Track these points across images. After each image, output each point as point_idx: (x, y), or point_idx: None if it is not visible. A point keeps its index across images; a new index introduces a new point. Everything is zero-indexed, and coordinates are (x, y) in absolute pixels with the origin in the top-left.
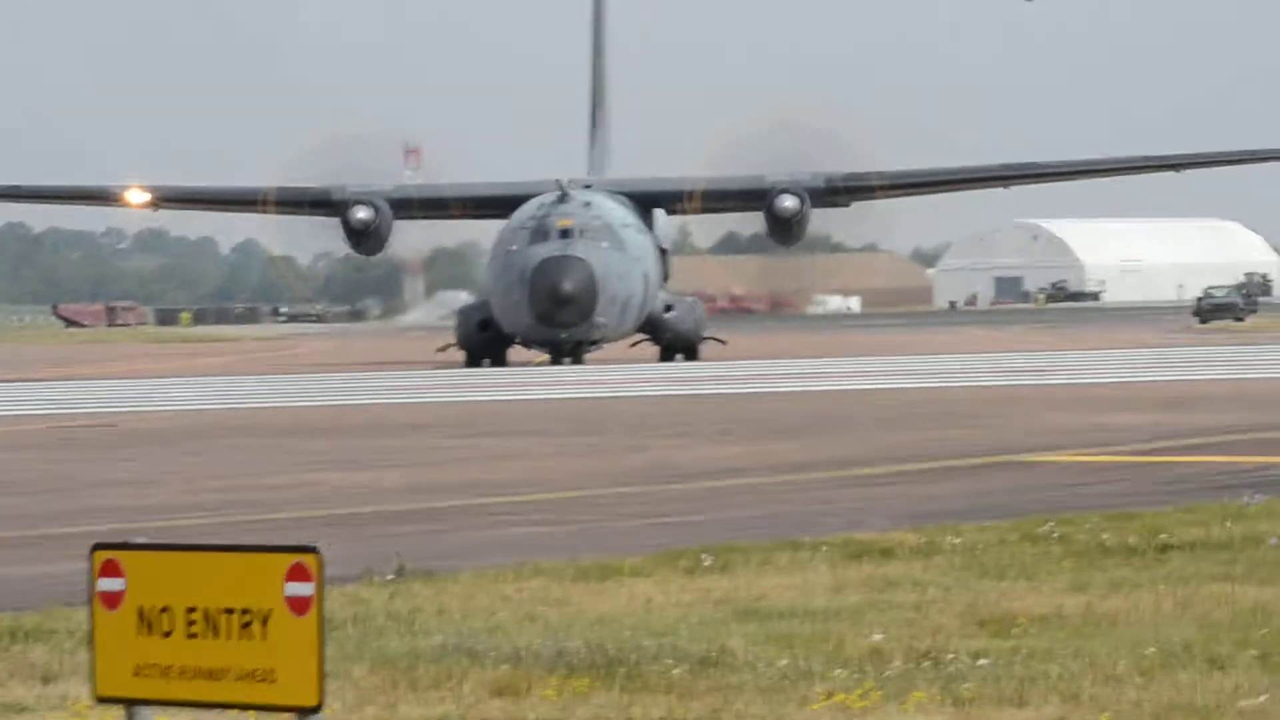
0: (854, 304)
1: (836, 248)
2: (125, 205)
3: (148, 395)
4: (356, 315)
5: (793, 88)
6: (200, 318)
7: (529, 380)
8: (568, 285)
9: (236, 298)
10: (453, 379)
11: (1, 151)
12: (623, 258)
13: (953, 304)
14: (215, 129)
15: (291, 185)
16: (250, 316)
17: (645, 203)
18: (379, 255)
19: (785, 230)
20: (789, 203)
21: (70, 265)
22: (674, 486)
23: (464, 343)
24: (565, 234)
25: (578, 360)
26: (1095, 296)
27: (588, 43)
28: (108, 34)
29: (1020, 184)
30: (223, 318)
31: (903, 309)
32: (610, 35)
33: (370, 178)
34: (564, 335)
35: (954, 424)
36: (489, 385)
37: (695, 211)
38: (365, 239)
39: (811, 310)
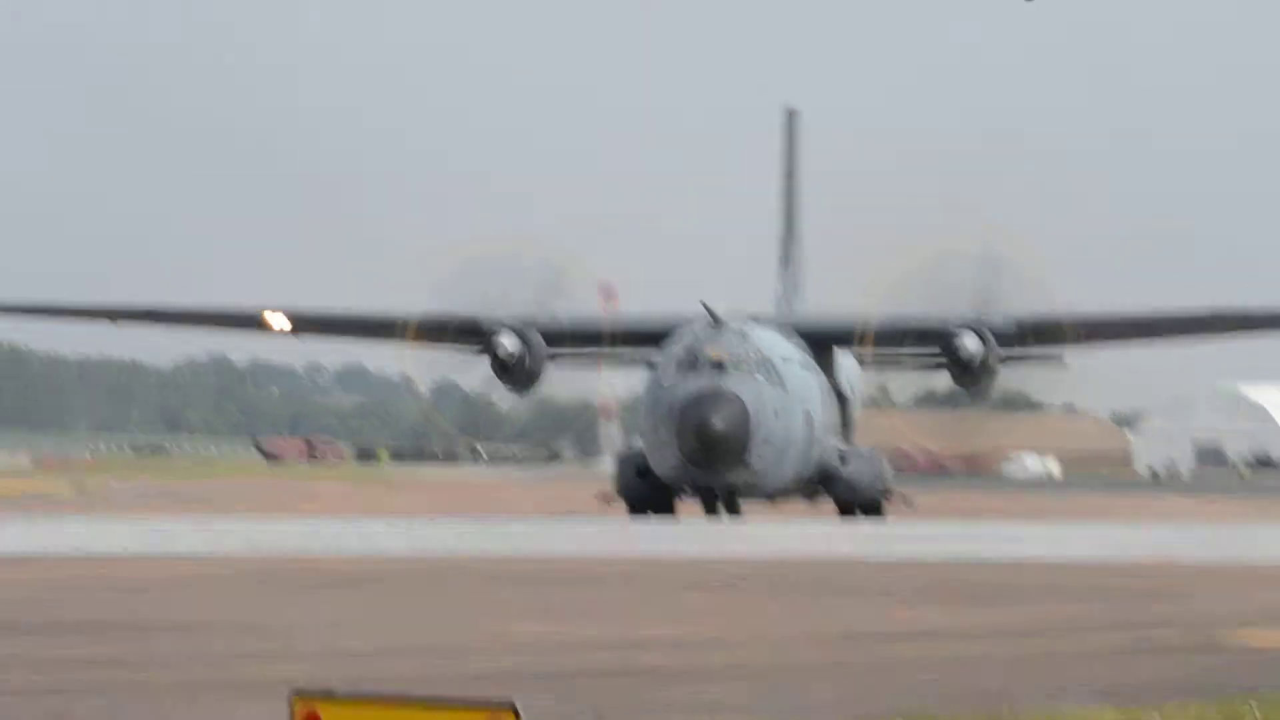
0: (1051, 464)
1: (1034, 407)
2: (265, 329)
3: (346, 536)
4: (553, 457)
5: (981, 218)
6: (398, 455)
7: (721, 534)
8: (717, 423)
9: (437, 435)
10: (644, 531)
11: (143, 274)
12: (781, 394)
13: (1155, 474)
14: (361, 253)
15: (435, 312)
16: (448, 455)
17: (822, 341)
18: (529, 393)
19: (968, 374)
20: (971, 342)
21: (271, 400)
22: (870, 649)
23: (624, 491)
24: (718, 366)
25: (734, 511)
26: None
27: (780, 178)
28: (257, 154)
29: (1229, 335)
30: (420, 455)
31: (1102, 472)
32: (804, 168)
33: (525, 304)
34: (715, 479)
35: (1155, 597)
36: (686, 538)
37: (871, 350)
38: (513, 373)
39: (1008, 469)
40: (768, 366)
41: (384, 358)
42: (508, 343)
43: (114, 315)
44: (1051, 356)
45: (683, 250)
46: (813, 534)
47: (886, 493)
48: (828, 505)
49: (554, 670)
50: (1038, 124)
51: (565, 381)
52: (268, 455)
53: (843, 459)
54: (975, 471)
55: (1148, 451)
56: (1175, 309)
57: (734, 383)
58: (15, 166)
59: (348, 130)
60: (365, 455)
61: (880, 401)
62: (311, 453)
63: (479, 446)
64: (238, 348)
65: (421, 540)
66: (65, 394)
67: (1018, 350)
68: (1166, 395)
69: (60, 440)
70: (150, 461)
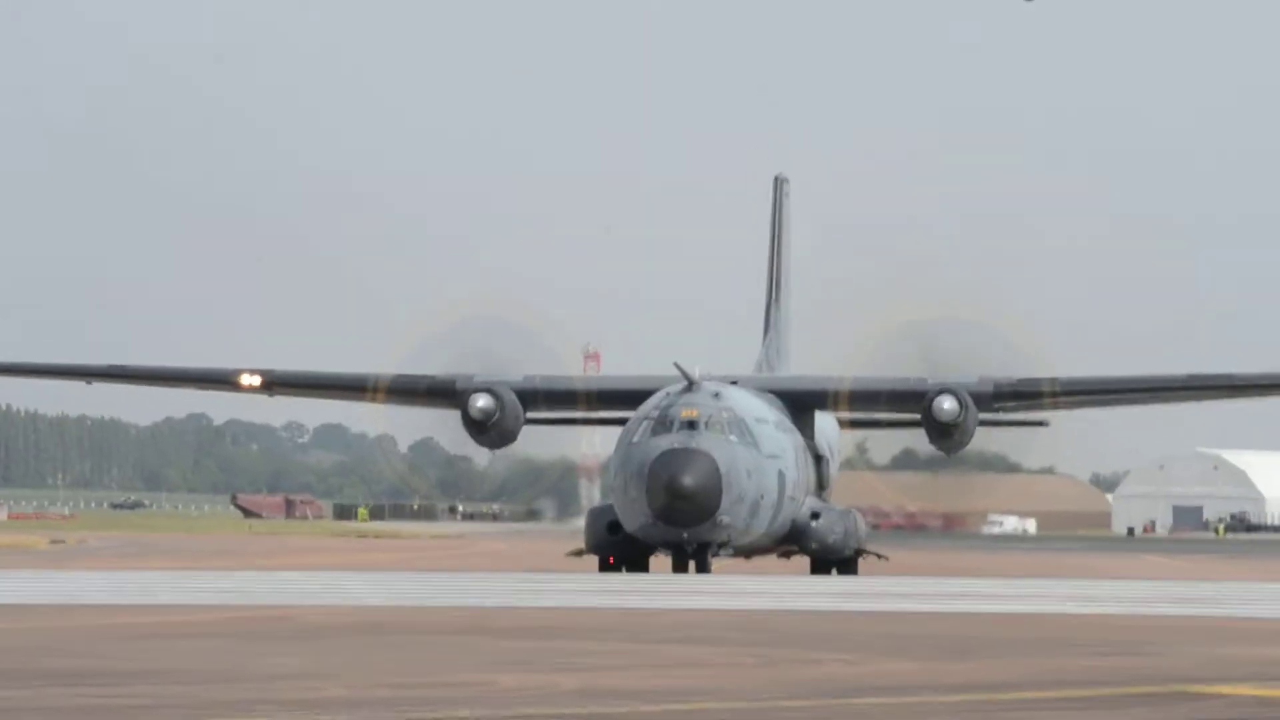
0: (1030, 526)
1: (1014, 468)
2: (238, 389)
3: (324, 589)
4: (532, 515)
5: (957, 280)
6: (377, 513)
7: (695, 588)
8: (688, 479)
9: (413, 494)
10: (625, 584)
11: (120, 334)
12: (754, 454)
13: (1130, 530)
14: (339, 315)
15: (408, 373)
16: (427, 513)
17: (800, 403)
18: (504, 450)
19: (945, 436)
20: (948, 405)
21: (250, 457)
22: (845, 701)
23: (594, 547)
24: (690, 425)
25: (703, 567)
26: (1276, 529)
27: (766, 243)
28: (237, 214)
29: (1208, 398)
30: (399, 514)
31: (1080, 533)
32: (791, 233)
33: (503, 366)
34: (685, 535)
35: (1127, 650)
36: (656, 591)
37: (848, 411)
38: (487, 431)
39: (987, 530)
40: (741, 426)
41: (363, 416)
42: (481, 403)
43: (87, 375)
44: (1033, 421)
45: (667, 315)
46: (784, 588)
47: (860, 549)
48: (802, 561)
49: (530, 718)
50: (1021, 196)
51: (544, 441)
52: (246, 512)
53: (816, 516)
54: (953, 530)
55: (1127, 513)
56: (1155, 373)
57: (705, 441)
58: None
59: (328, 192)
60: (344, 513)
61: (858, 462)
62: (290, 510)
63: (458, 505)
64: (216, 406)
65: (398, 593)
66: (44, 451)
67: (997, 412)
68: (1148, 459)
69: (39, 497)
70: (128, 518)
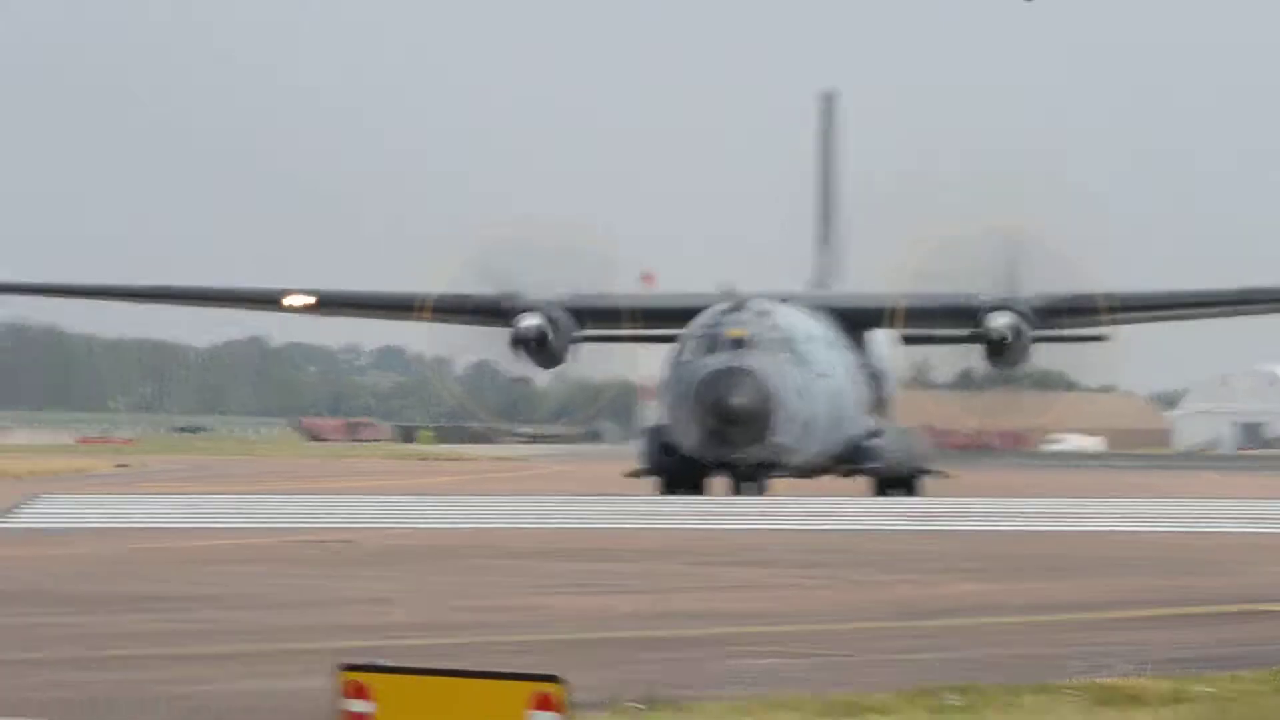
0: (1092, 443)
1: (1073, 386)
2: (287, 309)
3: (387, 512)
4: (593, 437)
5: (1012, 197)
6: (440, 435)
7: (761, 510)
8: (737, 399)
9: (474, 416)
10: (683, 506)
11: (169, 255)
12: (804, 372)
13: (1194, 452)
14: (392, 234)
15: (454, 292)
16: (488, 435)
17: (854, 320)
18: (555, 369)
19: (999, 353)
20: (1001, 321)
21: (308, 380)
22: (915, 623)
23: (650, 467)
24: (738, 344)
25: (759, 488)
26: None
27: (817, 160)
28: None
29: (1264, 311)
30: (460, 435)
31: (1141, 450)
32: (843, 149)
33: (554, 285)
34: (737, 456)
35: (1200, 570)
36: (720, 513)
37: (902, 329)
38: (536, 350)
39: (1049, 448)
40: (790, 344)
41: (421, 338)
42: (528, 321)
43: (134, 295)
44: (1092, 337)
45: (724, 234)
46: (845, 509)
47: (921, 468)
48: (862, 482)
49: (597, 641)
50: (1067, 108)
51: (601, 361)
52: (310, 435)
53: (874, 435)
54: (1015, 448)
55: (1188, 431)
56: (1207, 287)
57: (754, 360)
58: (42, 156)
59: (378, 115)
60: (405, 435)
61: (919, 382)
62: (352, 433)
63: (518, 427)
64: (274, 329)
65: (460, 515)
66: (103, 375)
67: (1053, 328)
68: (1206, 376)
69: (101, 420)
70: (192, 441)
